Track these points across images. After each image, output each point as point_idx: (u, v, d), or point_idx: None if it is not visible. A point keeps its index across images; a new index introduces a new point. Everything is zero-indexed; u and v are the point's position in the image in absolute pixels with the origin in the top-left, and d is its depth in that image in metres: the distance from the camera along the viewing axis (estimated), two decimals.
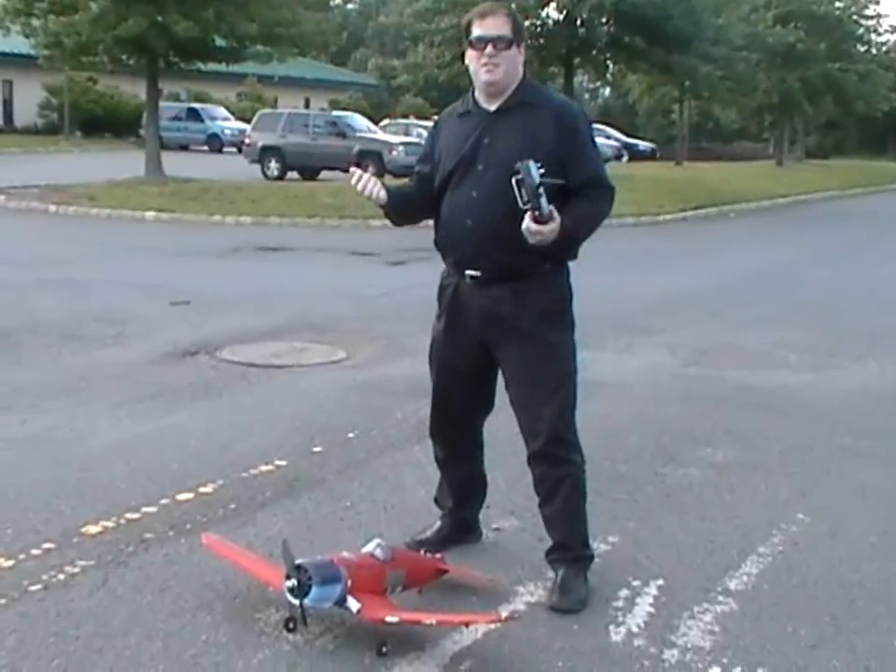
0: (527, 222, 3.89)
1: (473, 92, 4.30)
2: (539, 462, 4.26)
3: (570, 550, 4.30)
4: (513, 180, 3.88)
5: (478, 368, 4.36)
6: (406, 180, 4.56)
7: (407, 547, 4.46)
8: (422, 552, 4.34)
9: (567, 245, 4.10)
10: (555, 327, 4.22)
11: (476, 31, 4.17)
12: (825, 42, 43.07)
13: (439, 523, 4.71)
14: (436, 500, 4.78)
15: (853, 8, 46.48)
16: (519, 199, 3.87)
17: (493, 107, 4.21)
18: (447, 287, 4.36)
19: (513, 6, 4.32)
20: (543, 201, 3.85)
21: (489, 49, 4.12)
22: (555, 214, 3.91)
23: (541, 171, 3.84)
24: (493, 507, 4.91)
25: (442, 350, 4.44)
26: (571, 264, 4.30)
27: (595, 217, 4.20)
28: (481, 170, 4.15)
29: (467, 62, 4.24)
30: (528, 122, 4.14)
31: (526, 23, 26.99)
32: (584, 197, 4.12)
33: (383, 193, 4.19)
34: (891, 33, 61.79)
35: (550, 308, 4.20)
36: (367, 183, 4.16)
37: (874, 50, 50.99)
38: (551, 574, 4.31)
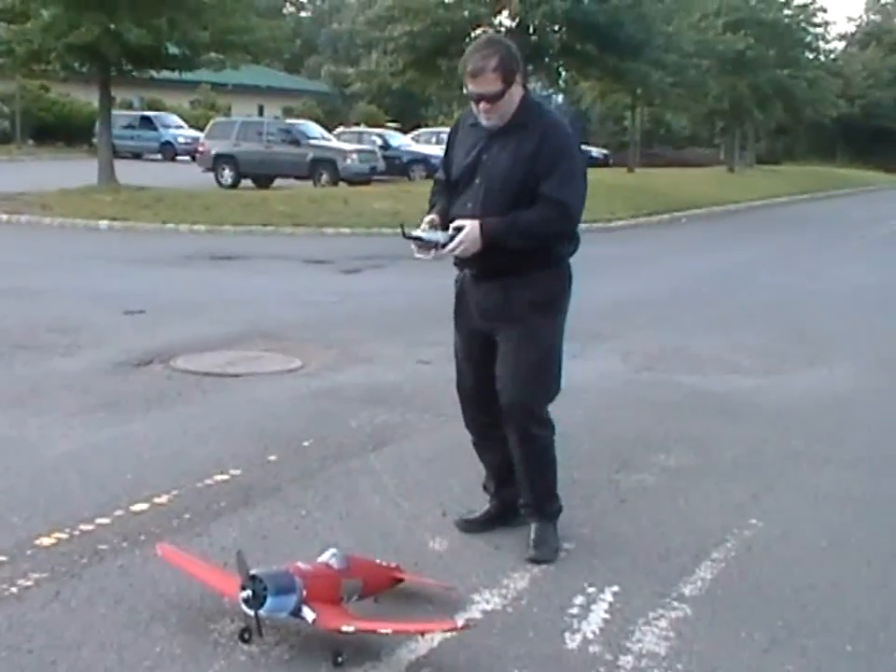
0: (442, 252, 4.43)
1: None
2: (507, 426, 4.66)
3: (540, 508, 4.75)
4: (415, 246, 4.45)
5: (485, 356, 4.68)
6: (435, 192, 4.81)
7: (456, 526, 4.87)
8: (378, 560, 4.34)
9: (506, 246, 4.39)
10: (540, 313, 4.56)
11: (469, 86, 4.45)
12: (774, 49, 43.47)
13: (487, 506, 5.01)
14: (484, 487, 5.06)
15: (802, 16, 46.88)
16: (428, 250, 4.44)
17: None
18: (458, 282, 4.80)
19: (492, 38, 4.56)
20: (431, 240, 4.43)
21: (483, 104, 4.44)
22: (457, 237, 4.35)
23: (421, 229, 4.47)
24: (449, 514, 4.92)
25: (457, 339, 4.86)
26: None
27: (531, 226, 4.44)
28: (478, 183, 4.51)
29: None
30: (518, 142, 4.47)
31: (479, 31, 27.02)
32: (534, 208, 4.42)
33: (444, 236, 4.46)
34: (839, 40, 62.77)
35: (536, 300, 4.54)
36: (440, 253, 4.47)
37: (822, 58, 51.53)
38: (506, 582, 4.39)
